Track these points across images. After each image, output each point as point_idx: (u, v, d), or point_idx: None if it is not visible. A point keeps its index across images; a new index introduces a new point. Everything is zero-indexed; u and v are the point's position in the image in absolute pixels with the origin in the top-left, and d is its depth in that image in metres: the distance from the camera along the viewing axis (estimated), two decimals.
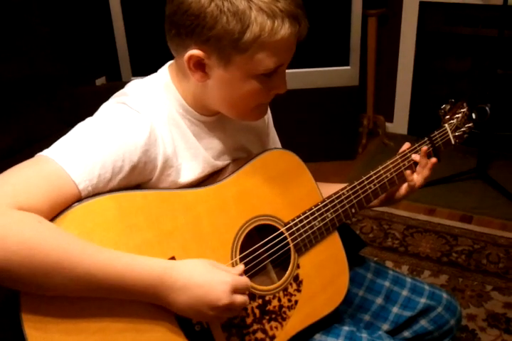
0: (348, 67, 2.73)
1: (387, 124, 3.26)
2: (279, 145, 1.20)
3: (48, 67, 2.40)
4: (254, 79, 0.88)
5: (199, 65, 0.86)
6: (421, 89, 3.12)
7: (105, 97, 0.92)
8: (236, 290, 0.83)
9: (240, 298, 0.83)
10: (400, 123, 3.26)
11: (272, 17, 0.81)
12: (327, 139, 2.93)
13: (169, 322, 0.83)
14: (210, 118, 0.97)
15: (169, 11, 0.86)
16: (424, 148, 1.14)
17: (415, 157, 1.14)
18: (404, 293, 1.21)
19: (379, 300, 1.20)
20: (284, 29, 0.83)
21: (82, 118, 0.87)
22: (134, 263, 0.78)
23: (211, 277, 0.82)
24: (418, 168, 1.14)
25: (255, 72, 0.86)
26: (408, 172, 1.13)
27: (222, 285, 0.82)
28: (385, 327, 1.19)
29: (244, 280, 0.86)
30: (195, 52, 0.84)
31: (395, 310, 1.20)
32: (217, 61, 0.85)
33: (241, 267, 0.88)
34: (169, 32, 0.87)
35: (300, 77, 2.67)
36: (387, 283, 1.22)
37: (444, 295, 1.23)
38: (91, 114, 0.88)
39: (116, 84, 0.90)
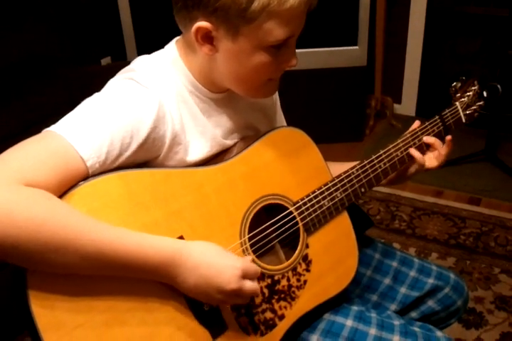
0: (356, 47, 2.69)
1: (395, 106, 3.23)
2: (284, 125, 1.18)
3: (54, 47, 2.38)
4: (264, 51, 0.85)
5: (207, 38, 0.84)
6: (430, 70, 3.08)
7: (111, 77, 0.91)
8: (246, 276, 0.82)
9: (250, 285, 0.82)
10: (408, 104, 3.23)
11: None
12: (334, 121, 2.91)
13: (178, 301, 0.83)
14: (218, 95, 0.95)
15: None
16: (449, 137, 1.13)
17: (428, 139, 1.13)
18: (412, 273, 1.21)
19: (387, 281, 1.20)
20: None
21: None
22: (145, 242, 0.77)
23: (222, 260, 0.81)
24: (436, 151, 1.13)
25: (264, 43, 0.84)
26: (413, 150, 1.11)
27: (233, 269, 0.81)
28: (393, 307, 1.19)
29: (254, 266, 0.85)
30: (202, 24, 0.82)
31: (403, 290, 1.19)
32: (225, 33, 0.83)
33: (249, 258, 0.88)
34: (176, 4, 0.85)
35: (307, 57, 2.64)
36: (394, 264, 1.22)
37: (452, 275, 1.23)
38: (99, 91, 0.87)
39: (122, 63, 0.90)
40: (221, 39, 0.84)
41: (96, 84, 0.91)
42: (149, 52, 0.94)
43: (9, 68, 2.10)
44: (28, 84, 2.11)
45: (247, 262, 0.84)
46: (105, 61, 2.83)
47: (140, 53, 0.94)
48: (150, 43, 2.55)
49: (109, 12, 2.67)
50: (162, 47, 0.95)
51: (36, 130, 0.79)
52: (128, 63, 0.93)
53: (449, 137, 1.14)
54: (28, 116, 1.98)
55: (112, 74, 0.91)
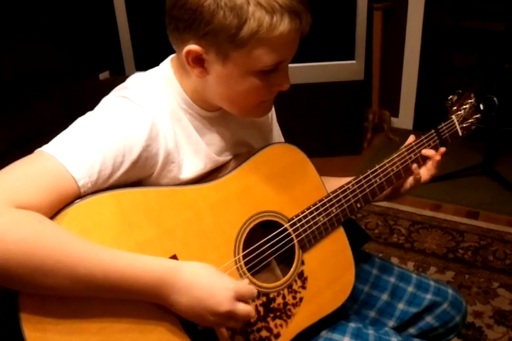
0: (353, 62, 2.70)
1: (393, 119, 3.24)
2: (282, 140, 1.18)
3: (52, 61, 2.39)
4: (254, 76, 0.85)
5: (198, 60, 0.85)
6: (427, 83, 3.10)
7: (109, 91, 0.91)
8: (240, 298, 0.81)
9: (243, 307, 0.81)
10: (405, 118, 3.24)
11: (271, 12, 0.79)
12: (332, 134, 2.91)
13: (172, 321, 0.82)
14: (212, 113, 0.95)
15: (168, 4, 0.85)
16: (443, 149, 1.13)
17: (427, 152, 1.13)
18: (410, 289, 1.20)
19: (384, 297, 1.19)
20: (283, 25, 0.80)
21: (85, 113, 0.85)
22: (136, 262, 0.76)
23: (215, 281, 0.80)
24: (428, 163, 1.13)
25: (254, 68, 0.84)
26: (415, 165, 1.11)
27: (226, 290, 0.80)
28: (391, 323, 1.18)
29: (250, 288, 0.83)
30: (193, 47, 0.83)
31: (401, 306, 1.18)
32: (215, 56, 0.83)
33: (247, 280, 0.86)
34: (169, 26, 0.86)
35: (304, 72, 2.65)
36: (392, 279, 1.21)
37: (450, 291, 1.22)
38: (94, 108, 0.87)
39: (120, 78, 0.90)
40: (211, 62, 0.85)
41: (94, 99, 0.91)
42: (147, 67, 0.95)
43: (6, 82, 2.11)
44: (26, 99, 2.11)
45: (241, 284, 0.82)
46: (103, 75, 2.83)
47: (138, 67, 0.95)
48: (148, 57, 2.57)
49: (108, 26, 2.68)
50: (160, 61, 0.96)
51: (33, 145, 0.79)
52: (126, 78, 0.93)
53: (442, 149, 1.14)
54: (25, 131, 1.98)
55: (110, 89, 0.91)
